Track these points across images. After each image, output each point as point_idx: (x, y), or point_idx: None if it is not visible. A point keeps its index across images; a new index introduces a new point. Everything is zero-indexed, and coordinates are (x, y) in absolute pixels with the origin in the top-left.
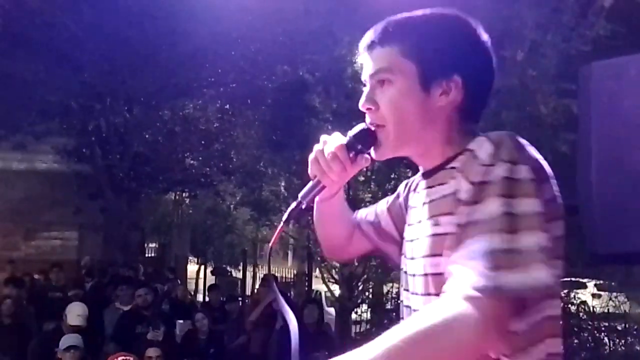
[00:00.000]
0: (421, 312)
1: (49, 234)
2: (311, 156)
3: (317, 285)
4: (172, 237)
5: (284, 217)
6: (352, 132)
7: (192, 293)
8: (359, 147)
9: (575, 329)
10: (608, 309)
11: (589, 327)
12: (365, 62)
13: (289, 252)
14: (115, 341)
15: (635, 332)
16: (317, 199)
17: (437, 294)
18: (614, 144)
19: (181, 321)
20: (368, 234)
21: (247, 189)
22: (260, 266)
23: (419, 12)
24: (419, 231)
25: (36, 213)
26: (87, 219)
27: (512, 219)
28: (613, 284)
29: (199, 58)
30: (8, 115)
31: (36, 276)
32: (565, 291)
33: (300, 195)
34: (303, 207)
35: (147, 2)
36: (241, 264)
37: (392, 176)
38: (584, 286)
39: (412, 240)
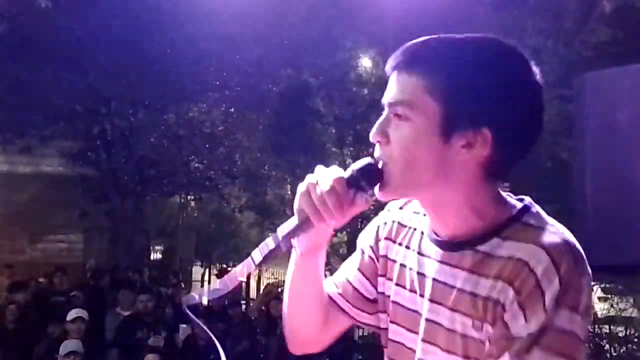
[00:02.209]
0: None
1: (55, 237)
2: (301, 187)
3: None
4: (177, 240)
5: (257, 260)
6: (355, 166)
7: (198, 297)
8: (362, 183)
9: None
10: (607, 313)
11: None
12: (390, 83)
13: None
14: (115, 346)
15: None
16: (296, 252)
17: None
18: (609, 154)
19: (184, 325)
20: (343, 307)
21: (251, 193)
22: (265, 270)
23: (463, 38)
24: (436, 314)
25: (42, 216)
26: (93, 222)
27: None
28: (620, 287)
29: (203, 62)
30: (14, 119)
31: (41, 280)
32: None
33: (279, 232)
34: (283, 249)
35: (152, 7)
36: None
37: None
38: None
39: (413, 311)
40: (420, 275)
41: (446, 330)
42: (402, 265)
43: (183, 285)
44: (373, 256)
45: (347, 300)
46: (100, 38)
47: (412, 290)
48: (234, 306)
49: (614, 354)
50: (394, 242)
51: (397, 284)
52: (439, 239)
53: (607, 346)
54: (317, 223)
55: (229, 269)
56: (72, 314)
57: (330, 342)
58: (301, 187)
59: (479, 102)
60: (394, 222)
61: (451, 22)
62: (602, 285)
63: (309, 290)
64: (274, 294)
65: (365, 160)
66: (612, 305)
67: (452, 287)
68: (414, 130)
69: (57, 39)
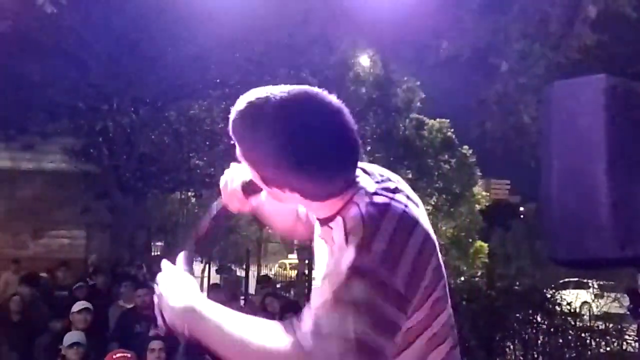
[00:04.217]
0: (268, 326)
1: (57, 232)
2: (222, 180)
3: None
4: (178, 236)
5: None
6: (247, 179)
7: None
8: (251, 190)
9: (561, 329)
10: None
11: (576, 327)
12: None
13: (295, 250)
14: (115, 340)
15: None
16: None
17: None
18: (572, 158)
19: None
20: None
21: None
22: (264, 265)
23: (261, 112)
24: (320, 268)
25: (44, 212)
26: (95, 218)
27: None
28: (612, 283)
29: (204, 60)
30: (17, 116)
31: (44, 275)
32: (552, 292)
33: (211, 207)
34: (214, 212)
35: (153, 6)
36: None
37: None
38: (586, 287)
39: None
40: (317, 237)
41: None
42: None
43: None
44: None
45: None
46: (102, 36)
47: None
48: (232, 301)
49: (595, 347)
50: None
51: (316, 245)
52: (317, 218)
53: (588, 339)
54: (232, 209)
55: (229, 264)
56: (79, 305)
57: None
58: (222, 180)
59: (271, 175)
60: None
61: (439, 27)
62: (599, 283)
63: (271, 217)
64: (270, 290)
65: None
66: (614, 301)
67: (320, 249)
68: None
69: (60, 38)
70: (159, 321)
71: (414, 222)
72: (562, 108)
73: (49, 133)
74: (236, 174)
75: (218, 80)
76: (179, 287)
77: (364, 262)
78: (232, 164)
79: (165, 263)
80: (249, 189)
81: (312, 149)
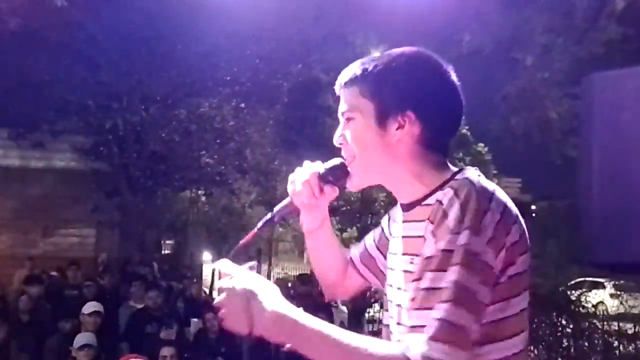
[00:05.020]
0: (380, 345)
1: (67, 231)
2: (291, 176)
3: None
4: (188, 234)
5: (259, 225)
6: (327, 165)
7: (208, 291)
8: (330, 178)
9: (587, 332)
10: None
11: (602, 330)
12: (340, 100)
13: (305, 250)
14: (126, 340)
15: None
16: (305, 230)
17: (400, 324)
18: (615, 154)
19: (196, 320)
20: (359, 268)
21: (261, 188)
22: (275, 265)
23: (388, 53)
24: (396, 262)
25: (54, 211)
26: (104, 216)
27: (463, 293)
28: (630, 284)
29: (214, 58)
30: (27, 114)
31: (54, 273)
32: (578, 292)
33: (275, 209)
34: (275, 219)
35: (163, 4)
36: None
37: None
38: (601, 286)
39: (392, 269)
40: (397, 238)
41: (394, 272)
42: (394, 237)
43: (194, 280)
44: (386, 233)
45: (359, 258)
46: (112, 34)
47: (393, 253)
48: None
49: (622, 350)
50: (394, 220)
51: (390, 253)
52: (402, 205)
53: (615, 343)
54: (297, 204)
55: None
56: (90, 307)
57: (353, 291)
58: (290, 177)
59: (400, 92)
60: (395, 207)
61: (461, 20)
62: (614, 283)
63: (320, 256)
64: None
65: (334, 161)
66: (621, 303)
67: (404, 237)
68: (359, 126)
69: (70, 36)
70: (238, 326)
71: (516, 215)
72: (603, 101)
73: (59, 131)
74: (313, 165)
75: (228, 78)
76: (268, 294)
77: (474, 244)
78: (298, 168)
79: (229, 264)
80: (332, 173)
81: (445, 100)
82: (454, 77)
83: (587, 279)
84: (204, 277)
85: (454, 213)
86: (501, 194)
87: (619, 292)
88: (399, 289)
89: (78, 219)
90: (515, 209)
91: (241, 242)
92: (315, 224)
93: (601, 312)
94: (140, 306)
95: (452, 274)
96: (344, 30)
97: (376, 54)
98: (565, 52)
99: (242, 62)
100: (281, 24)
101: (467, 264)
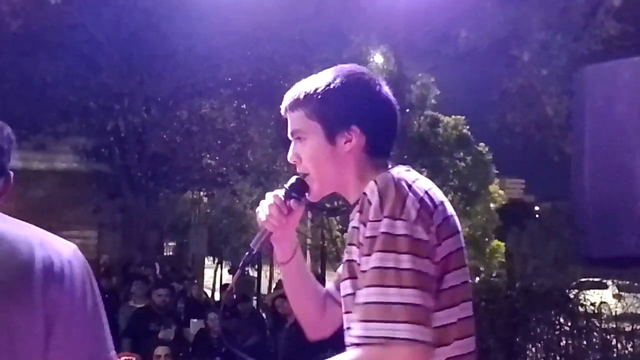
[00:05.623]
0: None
1: (69, 233)
2: (258, 208)
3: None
4: (190, 236)
5: (240, 265)
6: (287, 184)
7: (210, 292)
8: (293, 194)
9: (585, 331)
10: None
11: (601, 329)
12: (289, 122)
13: (307, 251)
14: (127, 337)
15: None
16: (280, 261)
17: (349, 312)
18: (608, 148)
19: (195, 320)
20: (335, 296)
21: (263, 189)
22: (277, 266)
23: (324, 75)
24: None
25: (56, 212)
26: (106, 218)
27: (385, 274)
28: (636, 284)
29: (215, 58)
30: (28, 116)
31: None
32: (575, 292)
33: (251, 243)
34: (254, 252)
35: (164, 4)
36: (256, 264)
37: None
38: (604, 286)
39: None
40: None
41: (343, 262)
42: None
43: (195, 281)
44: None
45: (335, 287)
46: (113, 35)
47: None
48: (244, 301)
49: (620, 349)
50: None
51: None
52: (352, 206)
53: (614, 341)
54: (270, 229)
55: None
56: None
57: (335, 326)
58: (258, 208)
59: (342, 112)
60: None
61: (458, 17)
62: (616, 282)
63: (298, 288)
64: (282, 291)
65: (293, 178)
66: (619, 301)
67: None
68: (311, 146)
69: (71, 37)
70: None
71: (441, 201)
72: (596, 94)
73: (61, 133)
74: (270, 194)
75: (229, 79)
76: None
77: (399, 226)
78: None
79: None
80: (293, 189)
81: (382, 111)
82: (386, 89)
83: (591, 279)
84: (205, 278)
85: (375, 201)
86: (423, 183)
87: (621, 293)
88: (343, 279)
89: (80, 221)
90: (439, 196)
91: (230, 284)
92: (289, 254)
93: (601, 311)
94: (140, 306)
95: (374, 260)
96: (343, 29)
97: (313, 75)
98: (563, 49)
99: (244, 63)
100: (282, 24)
101: (387, 249)
